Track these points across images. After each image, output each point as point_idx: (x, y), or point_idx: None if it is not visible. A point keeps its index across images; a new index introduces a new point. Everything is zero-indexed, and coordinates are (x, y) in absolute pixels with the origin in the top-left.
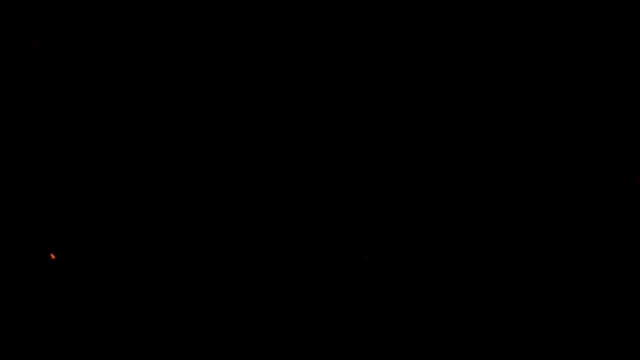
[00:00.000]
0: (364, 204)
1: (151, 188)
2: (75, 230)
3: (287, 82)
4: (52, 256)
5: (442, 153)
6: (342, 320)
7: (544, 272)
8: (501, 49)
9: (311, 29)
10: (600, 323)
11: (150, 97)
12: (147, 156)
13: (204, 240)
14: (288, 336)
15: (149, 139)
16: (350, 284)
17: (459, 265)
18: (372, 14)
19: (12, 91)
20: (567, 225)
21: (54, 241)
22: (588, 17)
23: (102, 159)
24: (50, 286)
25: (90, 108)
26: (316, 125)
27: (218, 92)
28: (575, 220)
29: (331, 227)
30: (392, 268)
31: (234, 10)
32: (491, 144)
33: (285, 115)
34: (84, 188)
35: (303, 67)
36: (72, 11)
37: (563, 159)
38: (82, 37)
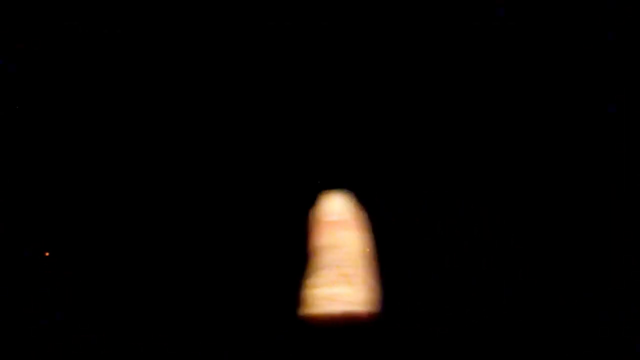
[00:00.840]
0: (366, 199)
1: (151, 188)
2: (75, 230)
3: (287, 82)
4: (46, 254)
5: (442, 152)
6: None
7: (544, 272)
8: (501, 49)
9: (311, 29)
10: (600, 323)
11: (150, 97)
12: (146, 156)
13: (204, 239)
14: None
15: (149, 138)
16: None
17: (459, 266)
18: (372, 14)
19: (12, 91)
20: (567, 225)
21: (54, 241)
22: (588, 17)
23: (101, 158)
24: (50, 286)
25: (90, 108)
26: (316, 125)
27: (218, 92)
28: (576, 221)
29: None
30: (393, 264)
31: (234, 10)
32: (491, 144)
33: (286, 116)
34: (83, 188)
35: (303, 67)
36: (72, 11)
37: (563, 158)
38: (82, 37)
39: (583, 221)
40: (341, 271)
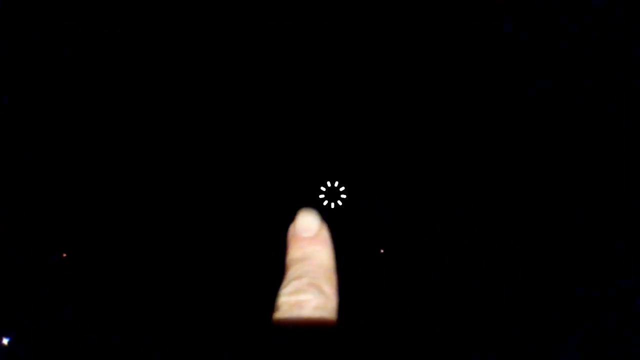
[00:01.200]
0: (377, 199)
1: (151, 188)
2: (74, 230)
3: (287, 82)
4: (64, 255)
5: (444, 152)
6: (355, 316)
7: (544, 271)
8: (501, 49)
9: (311, 29)
10: (600, 323)
11: (150, 97)
12: (146, 156)
13: (205, 239)
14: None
15: (149, 138)
16: (364, 280)
17: (462, 263)
18: (372, 13)
19: (12, 91)
20: (567, 225)
21: (53, 240)
22: (587, 18)
23: (101, 158)
24: (50, 286)
25: (90, 108)
26: (317, 125)
27: (218, 92)
28: (576, 220)
29: (344, 222)
30: (407, 264)
31: (234, 10)
32: (491, 144)
33: (286, 115)
34: (82, 188)
35: (303, 67)
36: (72, 11)
37: (563, 158)
38: (83, 37)
39: (582, 221)
40: (310, 281)
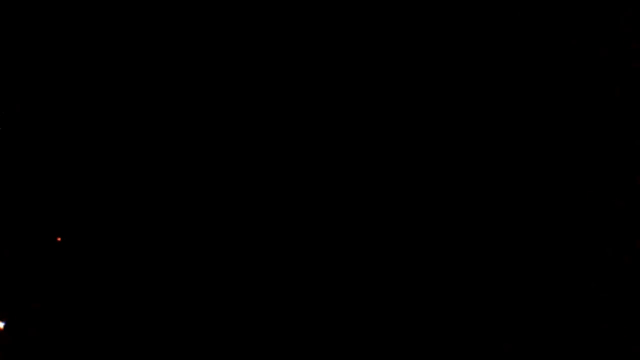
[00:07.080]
0: (365, 205)
1: (150, 188)
2: (74, 229)
3: (287, 82)
4: (59, 239)
5: (443, 153)
6: (343, 319)
7: (544, 272)
8: (501, 47)
9: (311, 29)
10: (600, 323)
11: (150, 97)
12: (146, 156)
13: (204, 239)
14: (288, 337)
15: (148, 138)
16: (351, 284)
17: (459, 265)
18: (372, 13)
19: (12, 91)
20: (567, 225)
21: (53, 240)
22: (588, 17)
23: (101, 158)
24: (49, 286)
25: (90, 108)
26: (316, 125)
27: (218, 92)
28: (576, 220)
29: (334, 227)
30: (392, 267)
31: (234, 10)
32: (491, 144)
33: (286, 116)
34: (82, 189)
35: (303, 67)
36: (72, 11)
37: (563, 158)
38: (82, 37)
39: (582, 221)
40: None
